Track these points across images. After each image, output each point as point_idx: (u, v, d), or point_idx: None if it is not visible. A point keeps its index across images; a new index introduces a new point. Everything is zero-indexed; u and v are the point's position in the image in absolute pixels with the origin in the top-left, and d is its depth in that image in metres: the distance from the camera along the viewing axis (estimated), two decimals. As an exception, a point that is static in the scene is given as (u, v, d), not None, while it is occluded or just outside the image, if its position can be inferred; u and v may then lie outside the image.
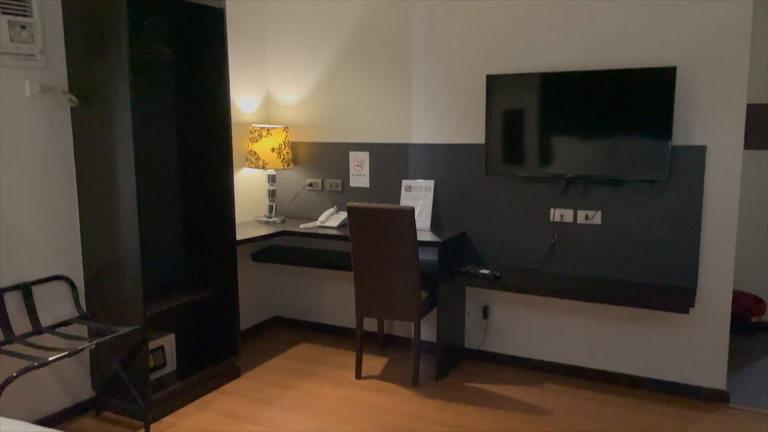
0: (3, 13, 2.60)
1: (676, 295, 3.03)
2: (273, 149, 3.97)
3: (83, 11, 2.81)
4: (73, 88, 2.91)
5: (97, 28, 2.78)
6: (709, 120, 3.06)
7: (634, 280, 3.30)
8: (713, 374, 3.21)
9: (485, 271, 3.40)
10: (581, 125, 3.22)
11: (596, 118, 3.18)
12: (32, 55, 2.75)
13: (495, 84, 3.43)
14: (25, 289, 2.78)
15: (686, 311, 2.90)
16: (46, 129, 2.86)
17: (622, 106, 3.11)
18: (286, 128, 4.08)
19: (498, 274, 3.36)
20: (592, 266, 3.40)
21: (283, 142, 4.03)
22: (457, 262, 3.65)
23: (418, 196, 3.82)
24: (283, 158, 4.03)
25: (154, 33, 3.34)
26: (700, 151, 3.08)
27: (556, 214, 3.46)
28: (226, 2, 3.77)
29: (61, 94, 2.88)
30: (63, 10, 2.87)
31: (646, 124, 3.06)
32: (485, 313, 3.74)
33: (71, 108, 2.94)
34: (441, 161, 3.76)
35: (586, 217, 3.38)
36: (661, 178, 3.07)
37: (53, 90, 2.86)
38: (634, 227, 3.27)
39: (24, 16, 2.69)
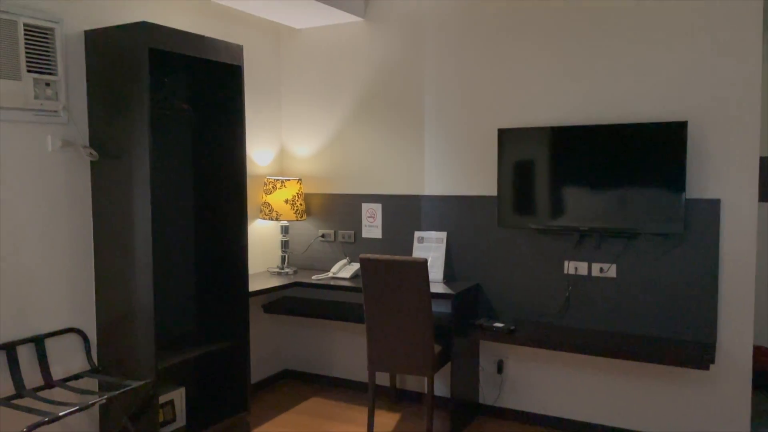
0: (29, 71, 2.69)
1: (696, 350, 2.97)
2: (286, 201, 4.01)
3: (106, 69, 2.90)
4: (93, 142, 2.98)
5: (120, 86, 2.86)
6: (722, 173, 3.07)
7: (652, 334, 3.25)
8: (737, 433, 3.12)
9: (499, 325, 3.36)
10: (593, 179, 3.23)
11: (608, 172, 3.19)
12: (55, 112, 2.82)
13: (506, 137, 3.47)
14: (38, 342, 2.78)
15: (707, 367, 2.83)
16: (65, 182, 2.91)
17: (634, 160, 3.13)
18: (299, 180, 4.13)
19: (512, 328, 3.32)
20: (608, 320, 3.35)
21: (297, 194, 4.07)
22: (471, 315, 3.61)
23: (430, 248, 3.81)
24: (297, 209, 4.06)
25: (174, 89, 3.42)
26: (715, 205, 3.08)
27: (570, 267, 3.43)
28: (244, 59, 3.88)
29: (81, 148, 2.94)
30: (87, 67, 2.96)
31: (659, 177, 3.07)
32: (500, 367, 3.68)
33: (91, 162, 3.00)
34: (453, 213, 3.78)
35: (601, 270, 3.35)
36: (675, 231, 3.06)
37: (74, 145, 2.93)
38: (650, 281, 3.24)
39: (49, 74, 2.77)
